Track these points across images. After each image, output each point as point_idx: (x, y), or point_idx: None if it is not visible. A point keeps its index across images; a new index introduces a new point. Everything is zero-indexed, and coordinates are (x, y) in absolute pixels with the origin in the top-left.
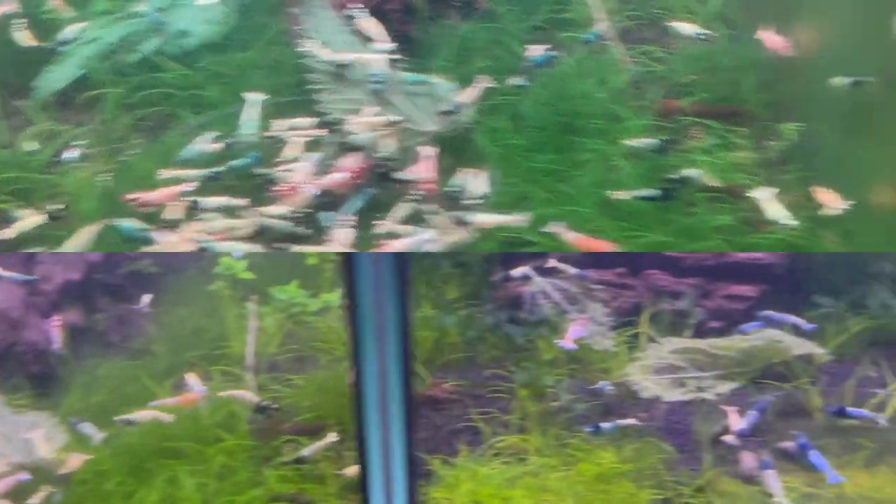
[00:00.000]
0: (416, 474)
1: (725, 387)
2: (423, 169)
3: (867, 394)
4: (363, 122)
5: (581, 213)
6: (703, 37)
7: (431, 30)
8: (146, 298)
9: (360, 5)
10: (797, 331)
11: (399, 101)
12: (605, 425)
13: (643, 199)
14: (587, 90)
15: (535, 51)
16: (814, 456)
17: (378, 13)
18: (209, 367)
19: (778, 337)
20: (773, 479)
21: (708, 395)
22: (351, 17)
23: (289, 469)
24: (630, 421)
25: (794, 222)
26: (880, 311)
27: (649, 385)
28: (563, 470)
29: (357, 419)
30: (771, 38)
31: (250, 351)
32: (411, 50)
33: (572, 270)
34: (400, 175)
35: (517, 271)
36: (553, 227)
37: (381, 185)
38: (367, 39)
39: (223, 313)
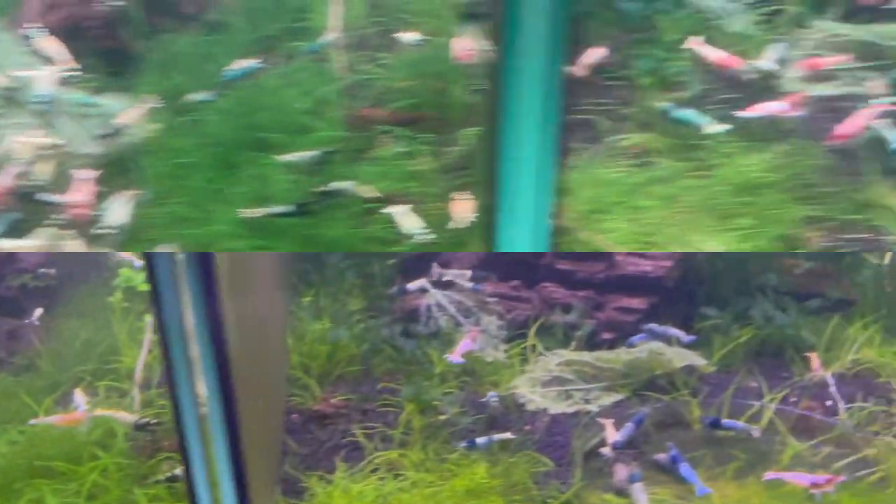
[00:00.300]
0: (291, 491)
1: (610, 399)
2: (78, 192)
3: (744, 405)
4: (23, 144)
5: (222, 231)
6: (419, 43)
7: (146, 44)
8: (38, 312)
9: (40, 24)
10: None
11: (62, 123)
12: (480, 440)
13: (276, 215)
14: (284, 102)
15: (238, 64)
16: (683, 468)
17: (75, 30)
18: (96, 382)
19: (660, 349)
20: (639, 492)
21: (593, 407)
22: (28, 38)
23: (162, 488)
24: (506, 435)
25: (431, 236)
26: (763, 322)
27: (536, 398)
28: (438, 485)
29: (177, 431)
30: (460, 45)
31: (140, 366)
32: (114, 67)
33: (468, 284)
34: (47, 198)
35: (414, 284)
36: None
37: (26, 208)
38: (47, 59)
39: (117, 327)
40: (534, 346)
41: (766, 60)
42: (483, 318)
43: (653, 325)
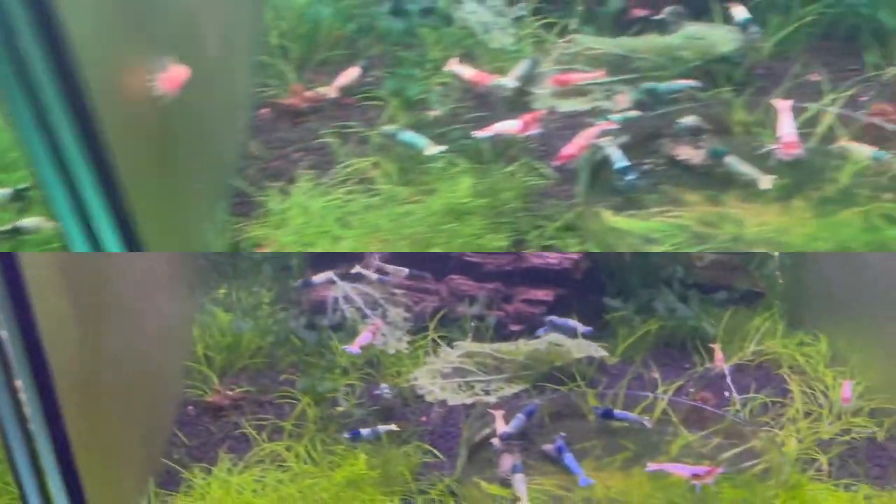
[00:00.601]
0: (170, 483)
1: (510, 390)
2: None
3: (641, 396)
4: None
5: None
6: None
7: None
8: None
9: None
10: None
11: None
12: (364, 431)
13: None
14: None
15: None
16: (567, 458)
17: None
18: None
19: (559, 341)
20: (519, 482)
21: (492, 399)
22: None
23: None
24: (391, 427)
25: None
26: (666, 314)
27: (435, 389)
28: (319, 477)
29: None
30: None
31: None
32: None
33: (374, 275)
34: None
35: (319, 277)
36: None
37: None
38: None
39: None
40: (438, 338)
41: (511, 77)
42: (390, 310)
43: (553, 318)
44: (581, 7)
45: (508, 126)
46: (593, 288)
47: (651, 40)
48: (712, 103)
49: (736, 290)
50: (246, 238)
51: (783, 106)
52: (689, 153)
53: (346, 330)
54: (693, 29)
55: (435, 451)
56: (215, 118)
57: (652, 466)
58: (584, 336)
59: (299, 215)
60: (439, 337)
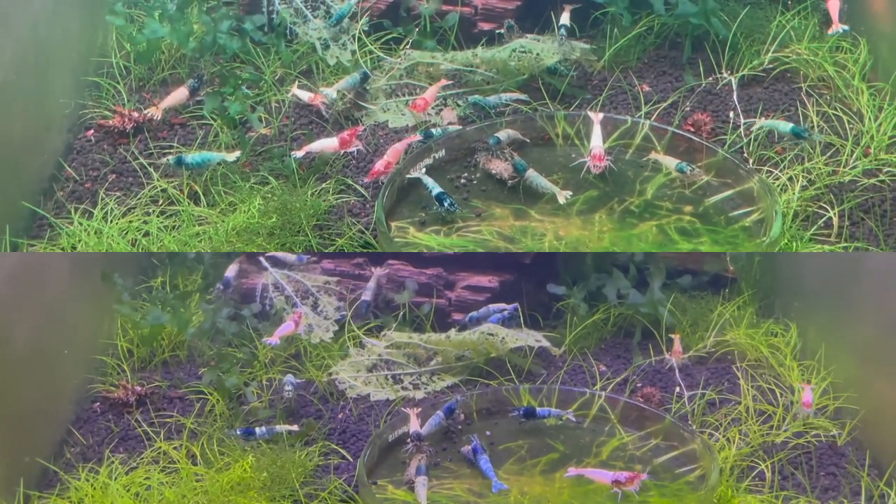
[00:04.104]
0: (45, 485)
1: (442, 384)
2: None
3: (577, 393)
4: None
5: None
6: None
7: None
8: None
9: None
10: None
11: None
12: (259, 430)
13: None
14: None
15: None
16: (482, 461)
17: None
18: None
19: (493, 330)
20: (420, 486)
21: (420, 394)
22: None
23: None
24: (292, 427)
25: None
26: (616, 301)
27: (357, 384)
28: (206, 480)
29: None
30: None
31: None
32: None
33: (292, 258)
34: None
35: (231, 270)
36: None
37: None
38: None
39: None
40: (368, 328)
41: (333, 89)
42: (321, 298)
43: (490, 307)
44: (421, 23)
45: (326, 144)
46: (538, 274)
47: (482, 54)
48: (534, 116)
49: (704, 274)
50: None
51: (596, 118)
52: (501, 167)
53: (272, 320)
54: (521, 42)
55: (343, 452)
56: (14, 142)
57: (572, 471)
58: (507, 319)
59: (92, 237)
60: (373, 327)
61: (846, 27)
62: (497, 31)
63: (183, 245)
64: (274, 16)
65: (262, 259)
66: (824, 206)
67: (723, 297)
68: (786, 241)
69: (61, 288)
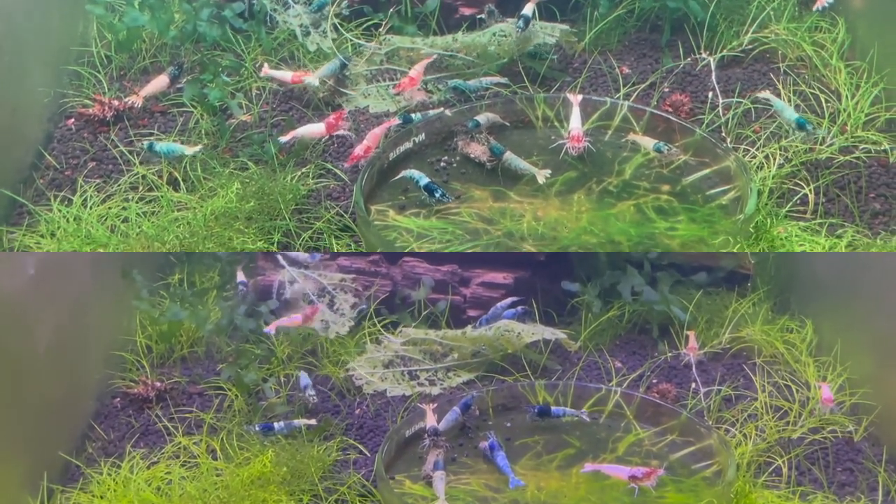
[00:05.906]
0: (68, 479)
1: (458, 380)
2: None
3: (593, 389)
4: None
5: None
6: None
7: None
8: None
9: None
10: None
11: None
12: (278, 425)
13: None
14: None
15: None
16: (499, 458)
17: None
18: None
19: (509, 326)
20: (438, 481)
21: (436, 390)
22: None
23: None
24: (310, 422)
25: None
26: (630, 298)
27: (374, 380)
28: (226, 475)
29: None
30: None
31: None
32: None
33: (306, 257)
34: None
35: (265, 263)
36: None
37: None
38: None
39: None
40: (385, 323)
41: (314, 76)
42: (337, 296)
43: (498, 305)
44: (401, 8)
45: (313, 129)
46: (552, 271)
47: (462, 39)
48: (514, 99)
49: (720, 270)
50: (15, 247)
51: (575, 100)
52: (479, 151)
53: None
54: (500, 26)
55: (361, 447)
56: None
57: (588, 467)
58: (521, 315)
59: (71, 224)
60: (389, 323)
61: (830, 0)
62: (478, 17)
63: (162, 230)
64: (254, 2)
65: (279, 257)
66: (800, 182)
67: (738, 293)
68: (761, 216)
69: (82, 286)
